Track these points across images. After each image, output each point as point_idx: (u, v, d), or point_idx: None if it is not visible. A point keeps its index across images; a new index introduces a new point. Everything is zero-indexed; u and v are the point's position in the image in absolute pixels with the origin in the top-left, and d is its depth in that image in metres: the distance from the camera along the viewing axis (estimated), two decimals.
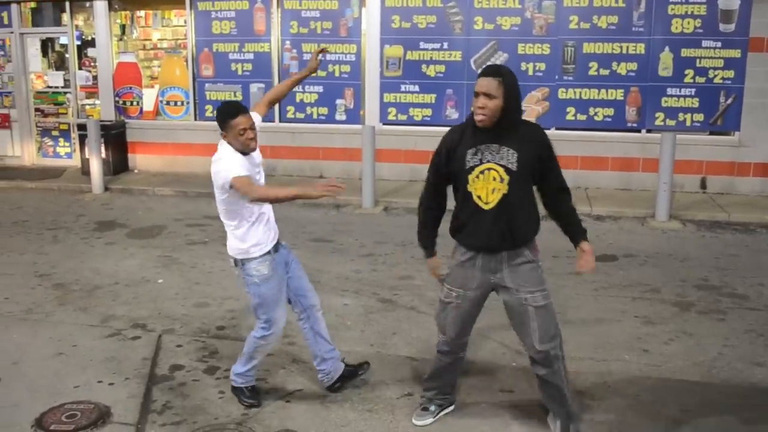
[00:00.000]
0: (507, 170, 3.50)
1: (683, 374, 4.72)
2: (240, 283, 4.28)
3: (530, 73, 10.53)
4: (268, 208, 4.14)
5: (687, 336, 5.35)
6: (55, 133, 12.84)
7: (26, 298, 6.21)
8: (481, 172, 3.54)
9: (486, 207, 3.55)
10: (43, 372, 4.72)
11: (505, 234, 3.57)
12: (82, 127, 11.64)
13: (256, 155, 4.14)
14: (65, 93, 12.65)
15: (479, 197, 3.57)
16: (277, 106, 11.46)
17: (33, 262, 7.27)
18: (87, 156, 11.27)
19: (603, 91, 10.39)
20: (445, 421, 4.07)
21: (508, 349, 5.03)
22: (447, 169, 3.67)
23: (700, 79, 10.08)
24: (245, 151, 3.99)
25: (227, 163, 3.91)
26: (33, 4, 12.52)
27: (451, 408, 4.16)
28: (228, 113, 3.95)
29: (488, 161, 3.52)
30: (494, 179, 3.52)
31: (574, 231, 3.73)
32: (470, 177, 3.56)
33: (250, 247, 4.05)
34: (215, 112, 4.12)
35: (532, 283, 3.64)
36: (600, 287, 6.46)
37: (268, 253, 4.09)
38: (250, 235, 4.04)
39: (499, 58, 10.55)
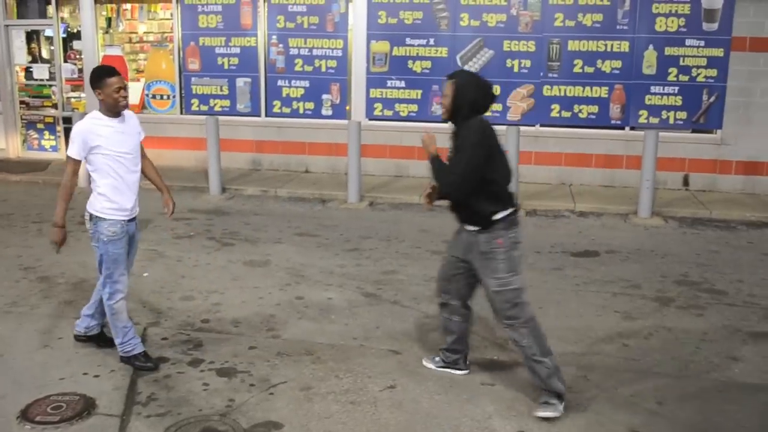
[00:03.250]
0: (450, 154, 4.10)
1: (661, 368, 4.80)
2: (90, 238, 4.66)
3: (516, 69, 10.59)
4: (125, 183, 4.57)
5: (666, 331, 5.44)
6: (40, 126, 12.80)
7: (11, 291, 6.22)
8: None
9: None
10: (28, 364, 4.74)
11: (456, 206, 4.13)
12: (67, 120, 11.60)
13: (132, 121, 4.67)
14: (50, 86, 12.59)
15: None
16: (263, 100, 11.49)
17: (18, 255, 7.26)
18: None
19: (588, 88, 10.46)
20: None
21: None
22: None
23: (684, 78, 10.16)
24: (116, 110, 4.50)
25: (74, 133, 4.44)
26: None
27: (461, 372, 4.59)
28: (105, 72, 4.49)
29: (450, 147, 4.13)
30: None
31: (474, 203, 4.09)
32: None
33: (104, 208, 4.54)
34: (90, 74, 4.57)
35: (487, 271, 4.10)
36: (581, 282, 6.55)
37: (122, 221, 4.59)
38: (106, 197, 4.53)
39: (485, 55, 10.61)
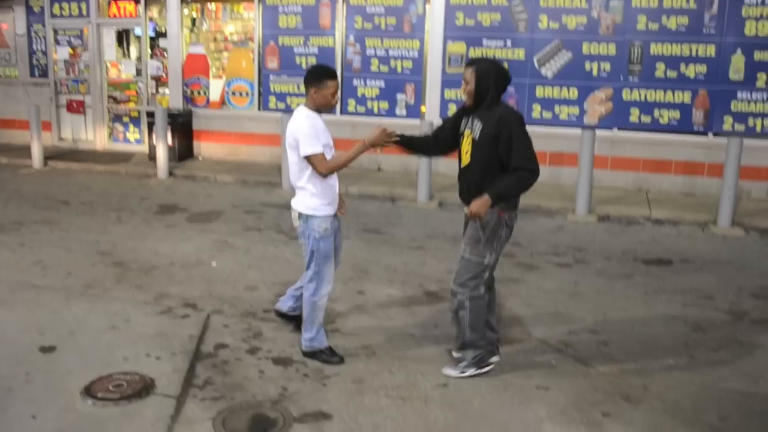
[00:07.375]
0: (473, 138, 4.27)
1: (728, 383, 4.59)
2: (300, 234, 4.66)
3: (594, 73, 10.37)
4: (333, 177, 4.61)
5: (737, 345, 5.20)
6: (125, 119, 13.33)
7: (87, 274, 6.49)
8: (463, 136, 4.40)
9: (462, 164, 4.38)
10: (95, 343, 4.94)
11: (467, 190, 4.31)
12: (151, 115, 12.04)
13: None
14: (137, 81, 13.10)
15: (460, 156, 4.41)
16: (339, 99, 11.62)
17: (96, 241, 7.57)
18: (154, 142, 11.65)
19: (669, 93, 10.15)
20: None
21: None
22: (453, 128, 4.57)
23: None
24: (325, 110, 4.50)
25: (305, 135, 4.36)
26: None
27: (494, 358, 4.63)
28: (327, 74, 4.46)
29: (468, 128, 4.34)
30: (468, 143, 4.32)
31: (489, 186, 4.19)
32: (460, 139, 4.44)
33: (317, 205, 4.52)
34: (309, 71, 4.53)
35: (467, 238, 4.37)
36: (651, 291, 6.33)
37: (331, 215, 4.60)
38: (318, 194, 4.52)
39: (563, 57, 10.43)
